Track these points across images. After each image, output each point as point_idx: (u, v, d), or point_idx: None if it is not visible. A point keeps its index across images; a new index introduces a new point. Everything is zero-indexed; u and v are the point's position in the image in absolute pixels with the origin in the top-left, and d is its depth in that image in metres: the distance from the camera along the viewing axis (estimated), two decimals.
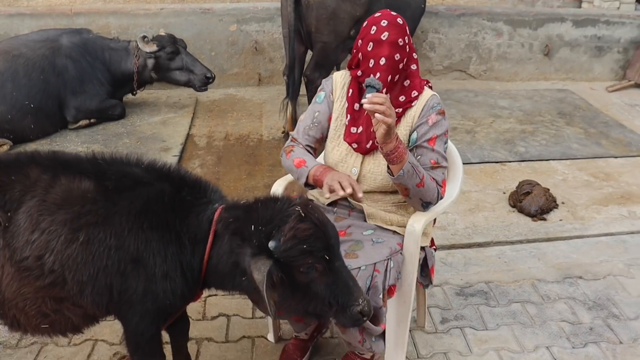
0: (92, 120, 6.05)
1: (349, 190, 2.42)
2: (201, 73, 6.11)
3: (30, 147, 5.58)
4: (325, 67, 5.22)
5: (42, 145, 5.65)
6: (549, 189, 4.62)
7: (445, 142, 2.68)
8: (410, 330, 3.24)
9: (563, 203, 4.65)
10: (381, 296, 2.51)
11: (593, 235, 4.25)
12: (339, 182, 2.45)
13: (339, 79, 2.83)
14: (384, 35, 2.55)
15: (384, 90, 2.52)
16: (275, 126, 6.06)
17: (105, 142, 5.73)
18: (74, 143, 5.72)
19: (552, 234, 4.25)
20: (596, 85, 7.66)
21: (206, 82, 6.16)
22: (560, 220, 4.42)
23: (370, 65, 2.58)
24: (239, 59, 7.21)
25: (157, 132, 5.96)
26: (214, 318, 3.38)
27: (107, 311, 2.30)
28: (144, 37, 6.01)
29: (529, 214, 4.44)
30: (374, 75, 2.54)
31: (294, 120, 5.50)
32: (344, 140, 2.72)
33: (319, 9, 4.99)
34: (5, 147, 5.46)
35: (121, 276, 2.20)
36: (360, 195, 2.44)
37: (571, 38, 7.65)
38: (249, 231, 2.12)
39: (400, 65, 2.59)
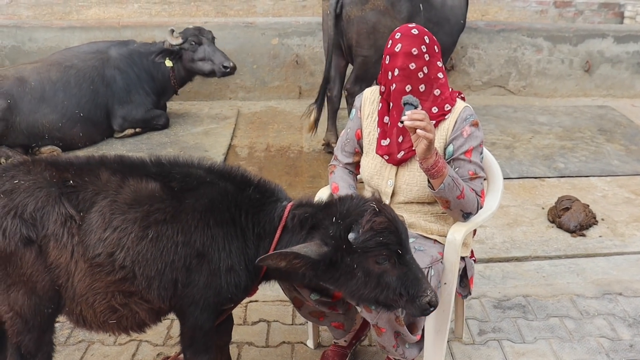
0: (137, 130, 6.25)
1: None
2: (219, 62, 6.18)
3: (78, 154, 5.79)
4: (365, 81, 5.31)
5: (90, 153, 5.81)
6: (588, 205, 4.60)
7: (481, 153, 2.73)
8: (447, 341, 3.27)
9: (603, 220, 4.62)
10: None
11: (634, 252, 4.22)
12: None
13: (369, 95, 2.92)
14: (398, 47, 2.64)
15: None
16: (315, 138, 6.14)
17: (149, 151, 5.88)
18: (120, 151, 5.87)
19: (591, 250, 4.24)
20: (638, 102, 7.58)
21: (224, 71, 6.22)
22: (600, 236, 4.40)
23: (389, 78, 2.68)
24: (280, 72, 7.35)
25: (200, 142, 6.11)
26: (254, 323, 3.47)
27: (171, 305, 2.42)
28: (172, 30, 6.16)
29: (568, 230, 4.43)
30: (392, 86, 2.64)
31: (315, 126, 5.57)
32: (376, 153, 2.80)
33: (359, 23, 5.09)
34: (55, 154, 5.66)
35: (186, 271, 2.33)
36: None
37: (612, 54, 7.59)
38: (327, 224, 2.26)
39: (420, 75, 2.64)
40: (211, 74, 6.31)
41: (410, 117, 2.36)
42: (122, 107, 6.12)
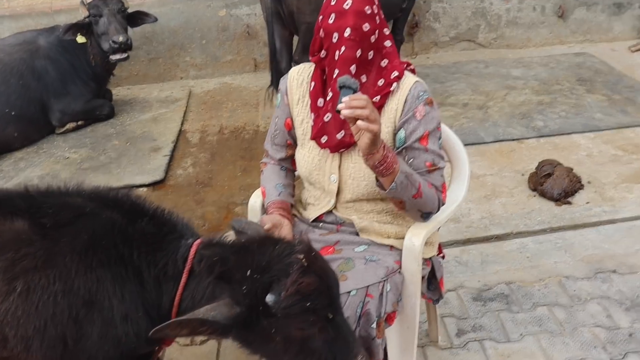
0: (79, 123, 5.70)
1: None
2: (110, 37, 5.33)
3: (17, 156, 5.29)
4: None
5: (29, 154, 5.34)
6: (572, 168, 4.16)
7: (440, 137, 2.24)
8: (422, 346, 2.87)
9: (589, 182, 4.18)
10: (374, 326, 2.10)
11: (625, 219, 3.79)
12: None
13: (296, 75, 2.40)
14: (347, 4, 2.12)
15: (359, 81, 2.11)
16: (272, 114, 5.65)
17: (93, 145, 5.41)
18: (61, 149, 5.40)
19: (578, 219, 3.81)
20: (617, 46, 7.05)
21: (114, 48, 5.37)
22: (587, 203, 3.97)
23: (334, 40, 2.14)
24: (232, 45, 6.77)
25: (148, 130, 5.61)
26: (202, 343, 3.03)
27: None
28: (82, 1, 5.47)
29: (551, 198, 4.00)
30: (339, 51, 2.13)
31: None
32: (311, 138, 2.31)
33: None
34: None
35: (75, 323, 1.87)
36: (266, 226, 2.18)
37: None
38: (239, 277, 1.79)
39: (372, 39, 2.15)
40: (107, 53, 5.47)
41: (349, 104, 1.85)
42: (59, 100, 5.54)
